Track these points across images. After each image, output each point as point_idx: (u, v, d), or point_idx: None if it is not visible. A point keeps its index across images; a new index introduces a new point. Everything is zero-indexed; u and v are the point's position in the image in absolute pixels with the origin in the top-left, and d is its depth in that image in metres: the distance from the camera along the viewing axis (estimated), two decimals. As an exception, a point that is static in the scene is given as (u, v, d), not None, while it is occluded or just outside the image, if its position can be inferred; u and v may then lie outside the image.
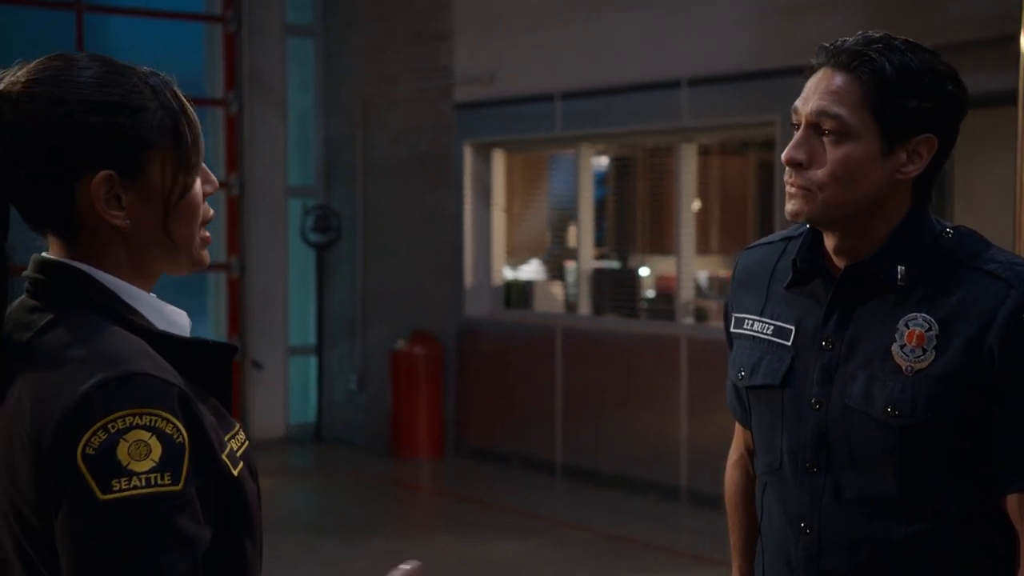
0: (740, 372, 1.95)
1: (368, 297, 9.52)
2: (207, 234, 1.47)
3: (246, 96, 9.54)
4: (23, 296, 1.41)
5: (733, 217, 8.80)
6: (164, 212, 1.39)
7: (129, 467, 1.25)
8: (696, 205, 7.93)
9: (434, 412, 8.85)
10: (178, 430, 1.29)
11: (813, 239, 1.88)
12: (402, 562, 1.49)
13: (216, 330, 9.67)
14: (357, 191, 9.58)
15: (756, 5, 7.09)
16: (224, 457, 1.36)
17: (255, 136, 9.59)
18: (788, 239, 1.95)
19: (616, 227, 8.90)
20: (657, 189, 8.41)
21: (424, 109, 9.06)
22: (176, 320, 1.44)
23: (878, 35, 1.81)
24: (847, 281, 1.83)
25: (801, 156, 1.80)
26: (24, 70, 1.39)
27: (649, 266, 8.53)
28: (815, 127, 1.80)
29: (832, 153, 1.78)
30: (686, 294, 7.74)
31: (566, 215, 8.84)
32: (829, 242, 1.86)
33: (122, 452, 1.25)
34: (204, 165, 1.46)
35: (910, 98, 1.76)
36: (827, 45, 1.82)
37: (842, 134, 1.77)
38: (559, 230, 9.08)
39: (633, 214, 8.76)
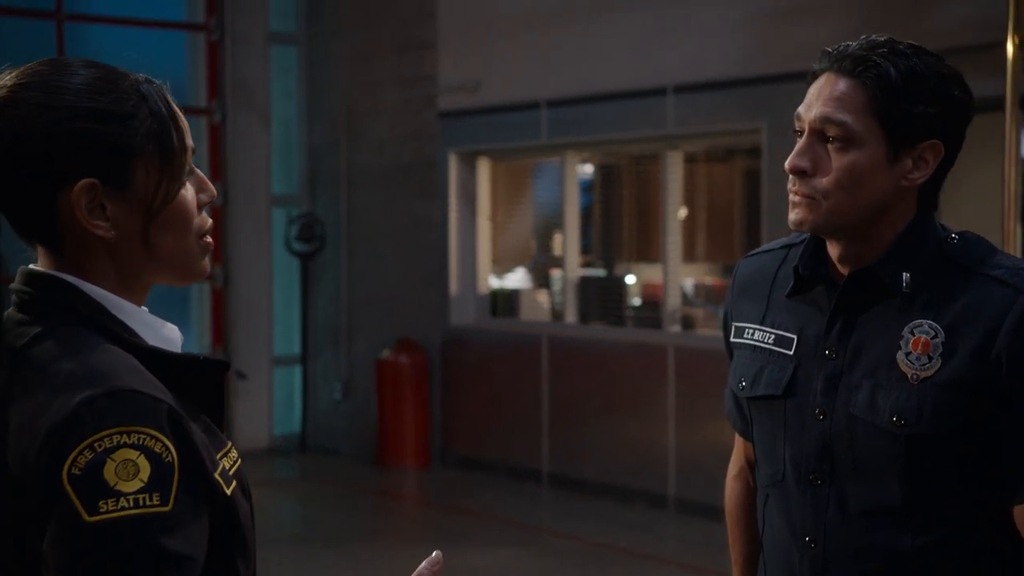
0: (741, 382, 1.91)
1: (353, 306, 9.48)
2: (208, 240, 1.43)
3: (229, 105, 9.49)
4: (10, 309, 1.37)
5: (720, 225, 8.78)
6: (146, 221, 1.36)
7: (116, 487, 1.21)
8: (682, 213, 7.91)
9: (420, 421, 8.81)
10: (167, 449, 1.25)
11: (815, 246, 1.85)
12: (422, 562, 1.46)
13: (200, 340, 9.61)
14: (341, 200, 9.54)
15: (742, 12, 7.08)
16: (216, 476, 1.32)
17: (238, 145, 9.54)
18: (789, 246, 1.91)
19: (602, 235, 8.88)
20: (643, 197, 8.40)
21: (408, 117, 9.02)
22: (167, 335, 1.40)
23: (882, 39, 1.77)
24: (851, 288, 1.80)
25: (805, 164, 1.77)
26: (12, 74, 1.35)
27: (635, 274, 8.51)
28: (819, 134, 1.76)
29: (837, 160, 1.75)
30: (673, 302, 7.72)
31: (552, 223, 8.82)
32: (833, 250, 1.83)
33: (109, 472, 1.21)
34: (200, 173, 1.43)
35: (916, 103, 1.73)
36: (830, 50, 1.78)
37: (847, 141, 1.74)
38: (545, 238, 9.06)
39: (619, 222, 8.74)
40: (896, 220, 1.79)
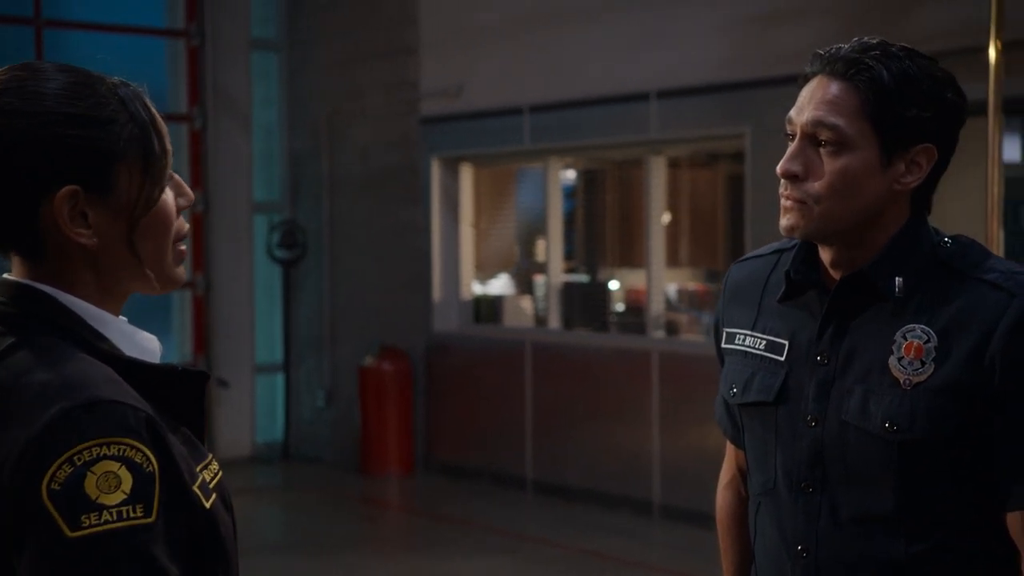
0: (732, 389, 1.88)
1: (335, 313, 9.44)
2: (183, 248, 1.40)
3: (210, 111, 9.45)
4: None
5: (703, 230, 8.78)
6: (129, 227, 1.33)
7: (99, 501, 1.18)
8: (666, 218, 7.90)
9: (403, 428, 8.78)
10: (148, 459, 1.22)
11: (807, 251, 1.83)
12: None
13: (181, 349, 9.56)
14: (323, 206, 9.51)
15: (725, 17, 7.08)
16: (196, 488, 1.29)
17: (219, 152, 9.50)
18: (781, 251, 1.89)
19: (585, 240, 8.87)
20: (626, 202, 8.39)
21: (391, 123, 9.00)
22: (146, 346, 1.37)
23: (875, 41, 1.75)
24: (843, 292, 1.78)
25: (797, 168, 1.74)
26: None
27: (619, 279, 8.50)
28: (811, 138, 1.74)
29: (830, 164, 1.73)
30: (656, 307, 7.71)
31: (535, 229, 8.80)
32: (825, 255, 1.81)
33: (90, 485, 1.18)
34: (178, 178, 1.40)
35: (909, 107, 1.71)
36: (822, 52, 1.76)
37: (840, 145, 1.72)
38: (528, 244, 9.04)
39: (602, 227, 8.73)
40: (889, 224, 1.77)
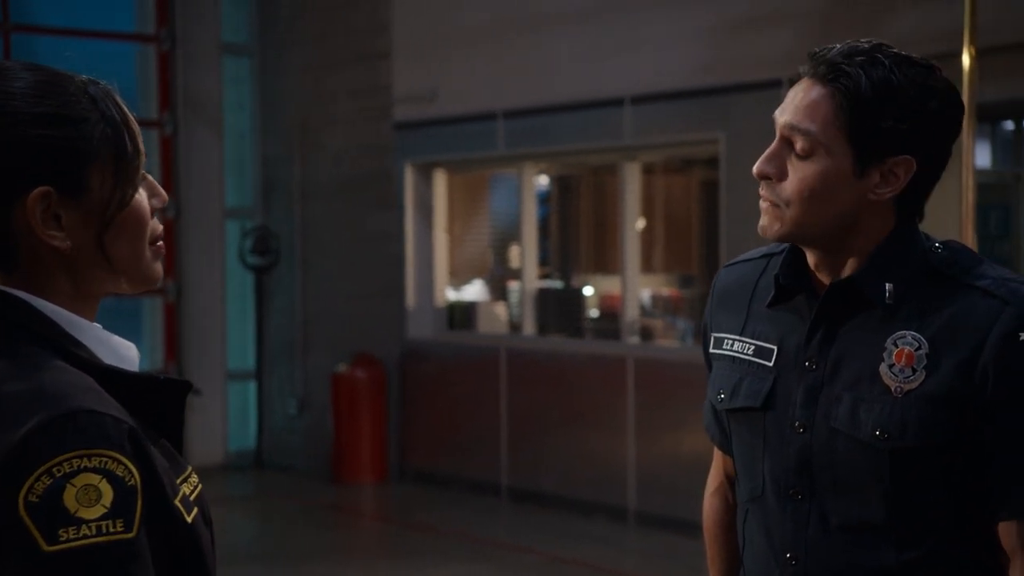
0: (719, 394, 1.86)
1: (308, 320, 9.38)
2: (161, 245, 1.37)
3: (181, 117, 9.38)
4: None
5: (678, 236, 8.78)
6: (100, 228, 1.30)
7: (78, 514, 1.14)
8: (640, 224, 7.90)
9: (377, 436, 8.73)
10: (130, 472, 1.18)
11: (795, 255, 1.80)
12: None
13: (152, 355, 9.48)
14: (296, 212, 9.45)
15: (698, 23, 7.08)
16: (177, 502, 1.25)
17: (191, 157, 9.43)
18: (770, 255, 1.87)
19: (560, 246, 8.86)
20: (601, 208, 8.39)
21: (364, 129, 8.95)
22: (124, 353, 1.33)
23: (866, 45, 1.72)
24: (833, 297, 1.76)
25: (771, 170, 1.73)
26: None
27: (593, 285, 8.49)
28: (787, 140, 1.72)
29: (800, 170, 1.71)
30: (631, 313, 7.70)
31: (509, 235, 8.78)
32: (810, 258, 1.79)
33: (69, 498, 1.14)
34: (151, 178, 1.37)
35: (885, 118, 1.68)
36: (814, 52, 1.74)
37: (811, 151, 1.70)
38: (502, 250, 9.02)
39: (577, 233, 8.73)
40: (871, 232, 1.74)
